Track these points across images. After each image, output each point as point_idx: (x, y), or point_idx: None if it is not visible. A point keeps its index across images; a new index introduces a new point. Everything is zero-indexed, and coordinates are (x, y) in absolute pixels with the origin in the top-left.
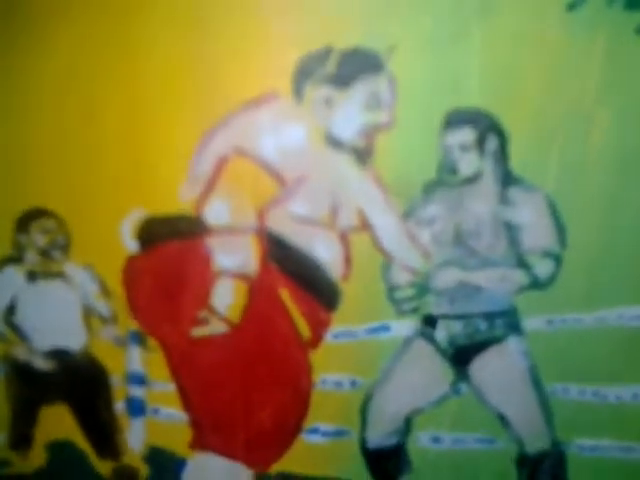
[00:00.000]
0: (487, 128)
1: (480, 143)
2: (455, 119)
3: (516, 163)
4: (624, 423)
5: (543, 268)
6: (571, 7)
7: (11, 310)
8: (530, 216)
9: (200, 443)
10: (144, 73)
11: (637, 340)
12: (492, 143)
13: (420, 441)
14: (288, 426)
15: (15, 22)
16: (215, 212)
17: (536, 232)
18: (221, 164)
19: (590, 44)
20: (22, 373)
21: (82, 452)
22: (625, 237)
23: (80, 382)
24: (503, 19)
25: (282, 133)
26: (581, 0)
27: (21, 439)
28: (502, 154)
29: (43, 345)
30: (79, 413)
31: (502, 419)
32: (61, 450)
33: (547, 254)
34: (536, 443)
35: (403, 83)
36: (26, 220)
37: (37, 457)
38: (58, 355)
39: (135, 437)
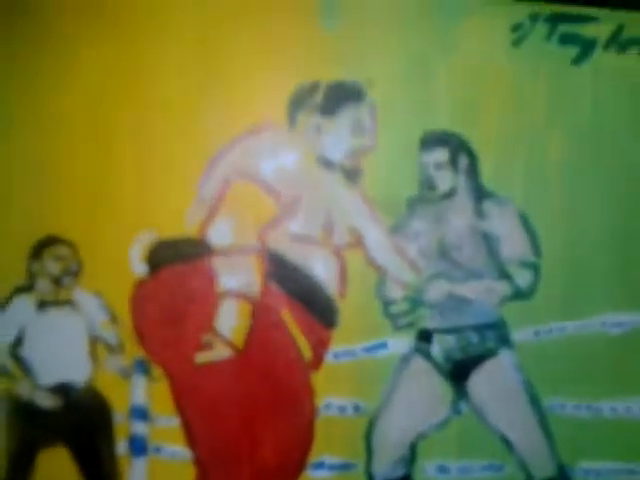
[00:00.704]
0: (457, 148)
1: (453, 161)
2: (429, 140)
3: (487, 179)
4: (623, 440)
5: (523, 278)
6: (515, 44)
7: (18, 342)
8: (504, 227)
9: None
10: (153, 105)
11: (618, 348)
12: (463, 161)
13: (427, 472)
14: (293, 461)
15: (36, 58)
16: (219, 233)
17: (512, 243)
18: (225, 187)
19: (535, 74)
20: (24, 413)
21: None
22: (595, 245)
23: (83, 421)
24: (463, 56)
25: (279, 157)
26: (522, 37)
27: None
28: (473, 171)
29: (47, 380)
30: (79, 456)
31: (506, 442)
32: None
33: (524, 264)
34: (543, 469)
35: (382, 111)
36: (40, 248)
37: None
38: (62, 390)
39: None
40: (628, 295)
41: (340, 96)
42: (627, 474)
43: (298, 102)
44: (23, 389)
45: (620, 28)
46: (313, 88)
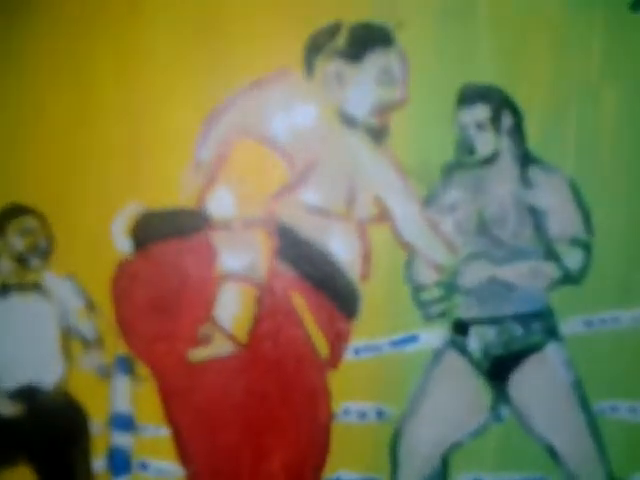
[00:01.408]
0: (501, 104)
1: (495, 121)
2: (468, 95)
3: (533, 142)
4: None
5: (573, 259)
6: None
7: None
8: (553, 199)
9: None
10: (146, 51)
11: None
12: (507, 120)
13: None
14: (306, 477)
15: (14, 18)
16: (219, 203)
17: (561, 217)
18: (227, 149)
19: (589, 21)
20: None
21: None
22: None
23: (52, 432)
24: None
25: (292, 112)
26: None
27: None
28: (518, 133)
29: (9, 382)
30: (47, 476)
31: (551, 451)
32: None
33: (575, 242)
34: None
35: (414, 59)
36: (2, 220)
37: None
38: (26, 394)
39: None
40: None
41: (366, 40)
42: None
43: (317, 46)
44: None
45: None
46: (334, 30)
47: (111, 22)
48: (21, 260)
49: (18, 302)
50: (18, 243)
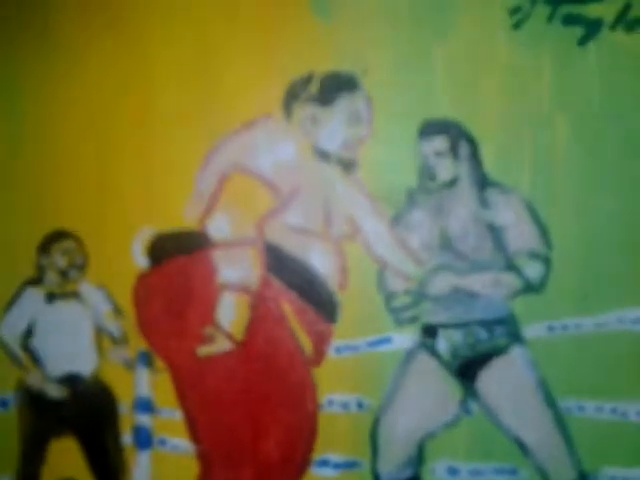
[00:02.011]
0: (458, 135)
1: (453, 150)
2: (428, 129)
3: (490, 167)
4: None
5: (533, 270)
6: (516, 26)
7: (29, 333)
8: (510, 217)
9: None
10: (152, 102)
11: None
12: (464, 149)
13: (436, 473)
14: (296, 456)
15: (46, 56)
16: (217, 226)
17: (519, 233)
18: (222, 181)
19: (538, 57)
20: (34, 403)
21: None
22: (609, 235)
23: (90, 411)
24: (458, 40)
25: (276, 149)
26: (523, 19)
27: (29, 479)
28: (475, 159)
29: (56, 371)
30: (87, 446)
31: (520, 444)
32: None
33: (534, 255)
34: (562, 474)
35: (378, 100)
36: (48, 242)
37: None
38: (70, 381)
39: (141, 473)
40: None
41: (335, 86)
42: None
43: (294, 93)
44: (33, 380)
45: (627, 7)
46: (308, 79)
47: (129, 83)
48: (63, 274)
49: (61, 307)
50: (60, 261)
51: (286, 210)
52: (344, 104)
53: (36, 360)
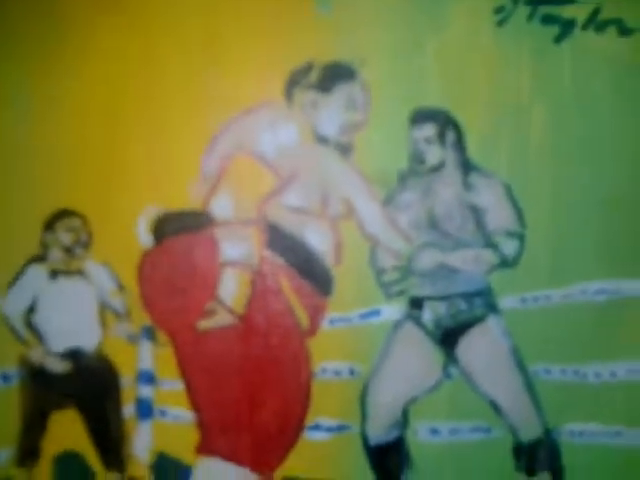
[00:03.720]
0: (446, 123)
1: (441, 136)
2: (419, 116)
3: (473, 153)
4: (608, 404)
5: (509, 247)
6: (499, 23)
7: (31, 309)
8: (491, 199)
9: (207, 448)
10: (161, 86)
11: (602, 314)
12: (451, 136)
13: (418, 434)
14: (291, 424)
15: (53, 38)
16: (220, 206)
17: (498, 214)
18: (226, 162)
19: (519, 53)
20: (36, 377)
21: (88, 468)
22: (577, 216)
23: (92, 384)
24: (449, 34)
25: (277, 133)
26: (505, 18)
27: (29, 452)
28: (460, 145)
29: (59, 346)
30: (89, 418)
31: (494, 406)
32: (67, 466)
33: (510, 234)
34: (529, 431)
35: (374, 88)
36: (53, 220)
37: (43, 474)
38: (73, 356)
39: (142, 443)
40: (610, 264)
41: (334, 75)
42: (610, 436)
43: (295, 80)
44: (36, 355)
45: (597, 9)
46: (309, 67)
47: (136, 66)
48: (67, 251)
49: (65, 284)
50: (65, 238)
51: (286, 191)
52: (342, 91)
53: (39, 336)
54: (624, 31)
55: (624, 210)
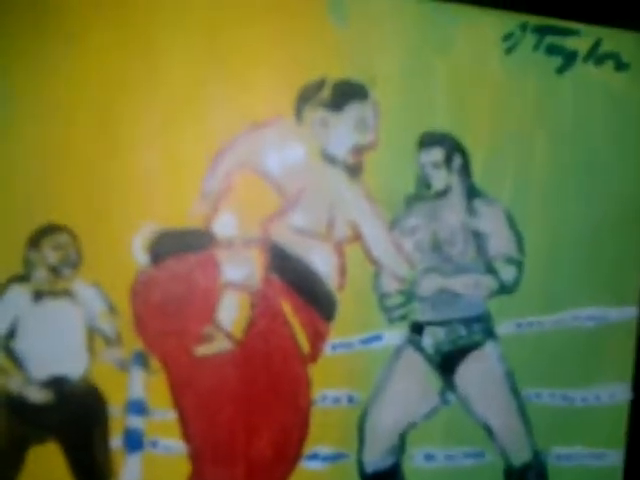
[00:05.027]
0: (453, 148)
1: (448, 161)
2: (427, 140)
3: (478, 178)
4: (592, 427)
5: (508, 274)
6: (507, 52)
7: (11, 334)
8: (492, 226)
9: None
10: (159, 98)
11: (591, 340)
12: (457, 161)
13: (414, 460)
14: (288, 453)
15: (40, 42)
16: (222, 225)
17: (499, 240)
18: (230, 180)
19: (524, 81)
20: (14, 408)
21: None
22: (571, 244)
23: (77, 414)
24: (461, 60)
25: (284, 151)
26: (514, 46)
27: None
28: (466, 170)
29: (41, 373)
30: (72, 451)
31: (488, 430)
32: None
33: (509, 260)
34: (520, 455)
35: (384, 110)
36: (38, 236)
37: None
38: (56, 384)
39: (130, 477)
40: (600, 291)
41: (346, 93)
42: (595, 458)
43: (306, 97)
44: (14, 384)
45: (598, 42)
46: (320, 85)
47: (135, 77)
48: (54, 270)
49: (50, 306)
50: (52, 256)
51: (291, 212)
52: (354, 111)
53: (18, 362)
54: (620, 65)
55: (614, 238)
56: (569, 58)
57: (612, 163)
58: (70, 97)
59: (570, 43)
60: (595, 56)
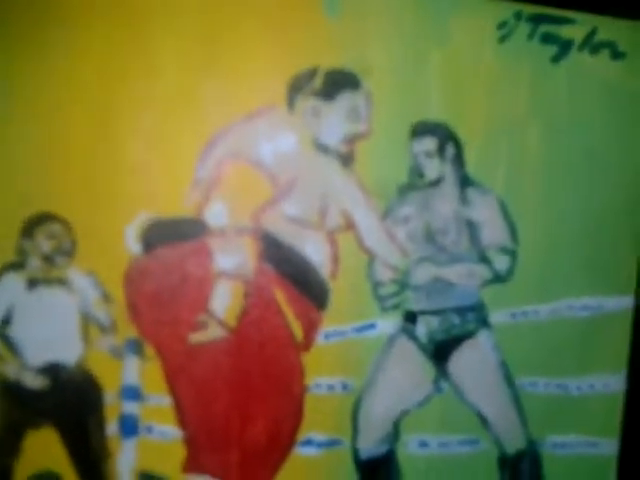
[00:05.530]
0: (446, 137)
1: (441, 151)
2: (420, 130)
3: (471, 168)
4: (586, 415)
5: (501, 263)
6: (501, 40)
7: (6, 321)
8: (486, 215)
9: (194, 465)
10: (152, 87)
11: (586, 329)
12: (450, 150)
13: (408, 447)
14: (283, 439)
15: (36, 38)
16: (215, 214)
17: (492, 230)
18: (222, 169)
19: (518, 70)
20: (10, 394)
21: None
22: (566, 233)
23: (72, 400)
24: (454, 50)
25: (276, 140)
26: (507, 35)
27: (0, 473)
28: (459, 160)
29: (37, 360)
30: (68, 436)
31: (482, 418)
32: None
33: (503, 250)
34: (514, 443)
35: (377, 99)
36: (32, 225)
37: None
38: (52, 370)
39: (126, 462)
40: (595, 281)
41: (338, 82)
42: (589, 446)
43: (297, 86)
44: (10, 370)
45: (593, 31)
46: (312, 74)
47: (129, 68)
48: (48, 259)
49: (44, 293)
50: (45, 246)
51: (283, 201)
52: (346, 100)
53: (14, 349)
54: (616, 54)
55: (610, 227)
56: (564, 47)
57: (607, 152)
58: (66, 90)
59: (565, 32)
60: (590, 45)
